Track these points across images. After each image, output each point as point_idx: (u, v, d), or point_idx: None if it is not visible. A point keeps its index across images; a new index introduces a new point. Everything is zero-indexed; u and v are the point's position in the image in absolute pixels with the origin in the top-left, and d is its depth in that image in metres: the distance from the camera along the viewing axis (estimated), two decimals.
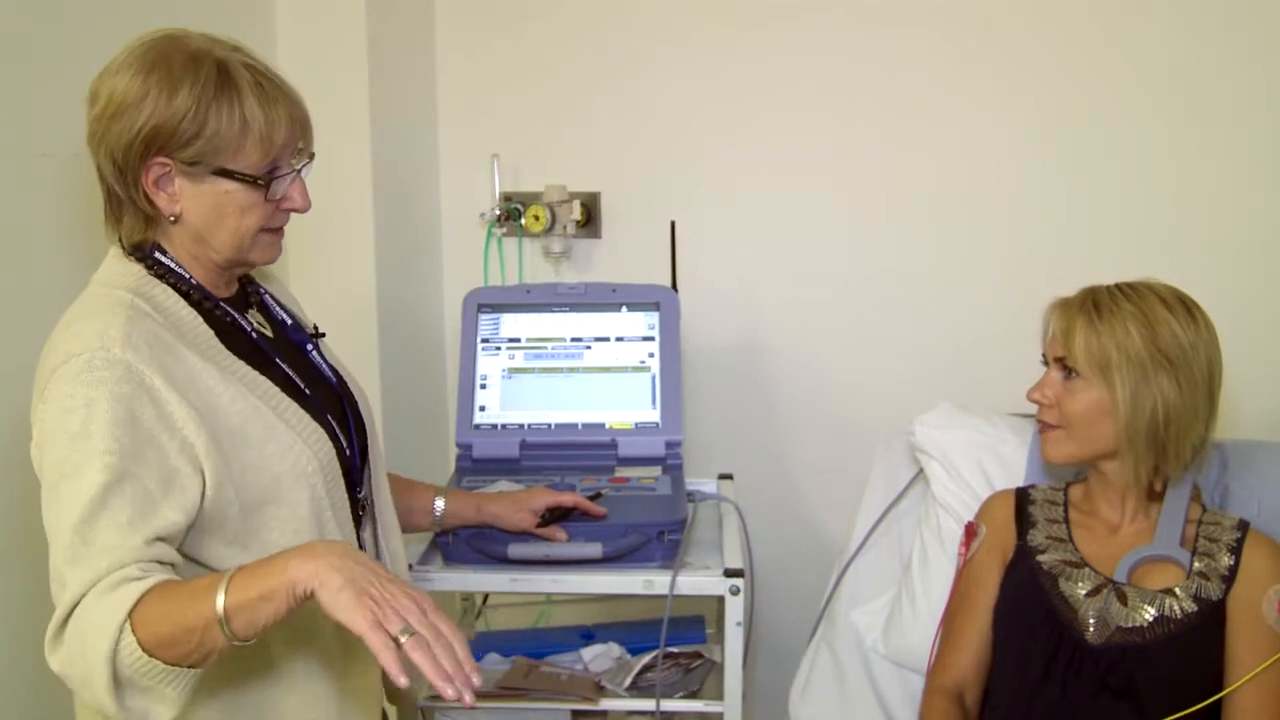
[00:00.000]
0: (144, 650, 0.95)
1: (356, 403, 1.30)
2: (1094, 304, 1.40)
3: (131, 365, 1.03)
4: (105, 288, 1.12)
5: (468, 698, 0.97)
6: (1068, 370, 1.42)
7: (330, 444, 1.19)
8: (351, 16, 1.90)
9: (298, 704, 1.16)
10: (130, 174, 1.09)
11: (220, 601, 0.96)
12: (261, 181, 1.12)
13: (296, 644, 1.15)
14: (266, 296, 1.29)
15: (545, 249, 2.17)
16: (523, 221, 2.12)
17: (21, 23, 1.38)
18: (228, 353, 1.15)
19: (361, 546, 1.23)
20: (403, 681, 0.94)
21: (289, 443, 1.13)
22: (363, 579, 0.97)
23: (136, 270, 1.13)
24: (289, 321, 1.29)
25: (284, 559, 0.98)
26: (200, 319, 1.14)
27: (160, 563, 1.02)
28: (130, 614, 0.96)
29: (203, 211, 1.12)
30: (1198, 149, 1.97)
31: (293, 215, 1.20)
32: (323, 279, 1.95)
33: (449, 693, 0.95)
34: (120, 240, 1.15)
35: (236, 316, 1.19)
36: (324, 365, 1.29)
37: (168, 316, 1.11)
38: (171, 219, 1.12)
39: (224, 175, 1.10)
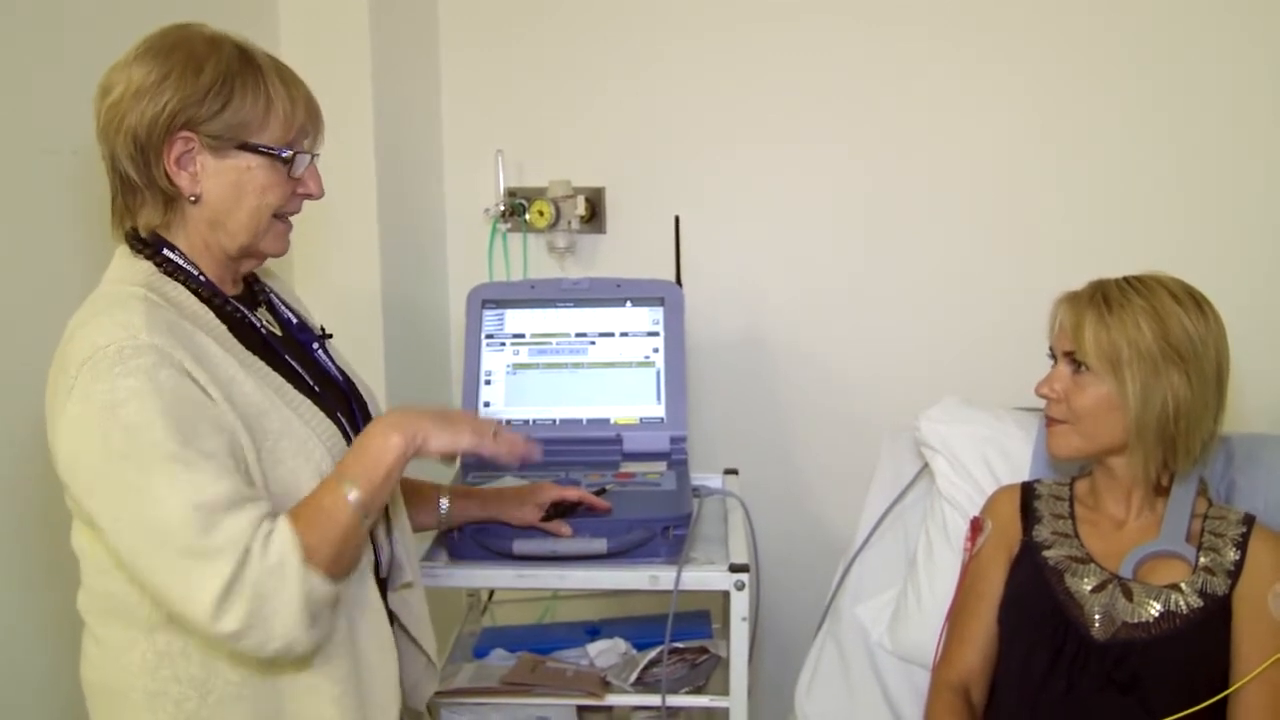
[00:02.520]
0: (328, 579, 1.06)
1: (365, 403, 1.30)
2: (1104, 298, 1.39)
3: (162, 348, 1.04)
4: (116, 285, 1.12)
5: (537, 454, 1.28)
6: (1077, 365, 1.41)
7: (343, 442, 1.20)
8: (355, 12, 1.90)
9: None
10: (152, 152, 1.09)
11: (354, 498, 1.08)
12: (285, 157, 1.13)
13: (307, 665, 1.15)
14: (272, 296, 1.30)
15: (549, 244, 2.17)
16: (527, 217, 2.12)
17: (22, 21, 1.38)
18: (241, 346, 1.15)
19: (375, 546, 1.23)
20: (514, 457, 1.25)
21: (304, 437, 1.14)
22: (442, 417, 1.18)
23: (146, 267, 1.13)
24: (294, 321, 1.29)
25: (379, 440, 1.12)
26: (212, 314, 1.15)
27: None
28: (301, 556, 1.04)
29: (224, 190, 1.12)
30: (1200, 143, 1.97)
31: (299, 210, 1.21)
32: (327, 275, 1.95)
33: (537, 454, 1.27)
34: (127, 237, 1.15)
35: (246, 313, 1.19)
36: (331, 365, 1.29)
37: (181, 310, 1.12)
38: (192, 199, 1.12)
39: (248, 150, 1.12)
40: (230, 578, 1.00)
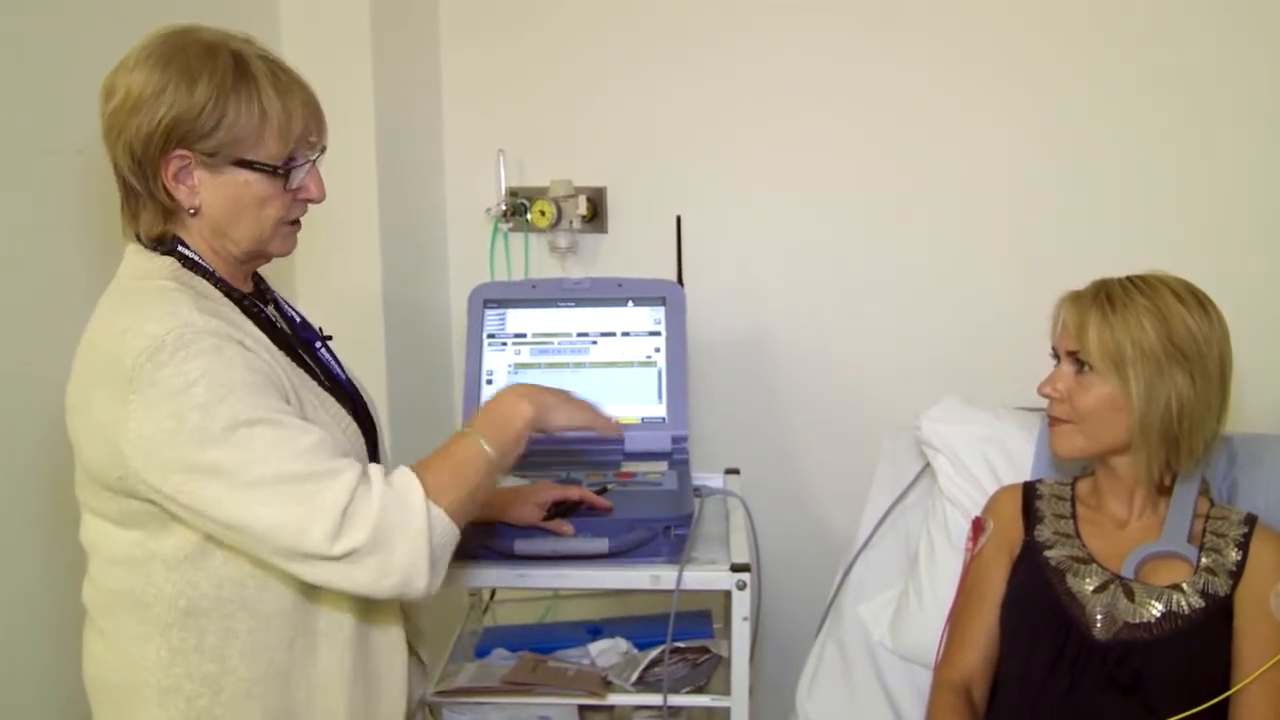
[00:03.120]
0: (453, 522, 1.09)
1: (367, 405, 1.31)
2: (1107, 297, 1.39)
3: (219, 331, 1.06)
4: (142, 280, 1.12)
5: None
6: (1080, 364, 1.41)
7: (361, 438, 1.21)
8: (356, 11, 1.90)
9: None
10: (150, 166, 1.10)
11: (489, 449, 1.14)
12: (281, 171, 1.13)
13: (317, 662, 1.16)
14: (278, 294, 1.30)
15: (551, 244, 2.17)
16: (529, 216, 2.12)
17: (23, 21, 1.38)
18: (268, 339, 1.16)
19: None
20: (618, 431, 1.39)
21: (329, 427, 1.15)
22: (564, 397, 1.27)
23: (168, 262, 1.14)
24: (298, 320, 1.30)
25: (510, 405, 1.20)
26: (235, 308, 1.16)
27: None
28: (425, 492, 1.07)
29: (222, 203, 1.13)
30: (1200, 143, 1.96)
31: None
32: (329, 276, 1.95)
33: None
34: (138, 235, 1.15)
35: (262, 308, 1.21)
36: (334, 364, 1.30)
37: (211, 302, 1.13)
38: (191, 211, 1.12)
39: (243, 166, 1.12)
40: (352, 494, 1.03)
